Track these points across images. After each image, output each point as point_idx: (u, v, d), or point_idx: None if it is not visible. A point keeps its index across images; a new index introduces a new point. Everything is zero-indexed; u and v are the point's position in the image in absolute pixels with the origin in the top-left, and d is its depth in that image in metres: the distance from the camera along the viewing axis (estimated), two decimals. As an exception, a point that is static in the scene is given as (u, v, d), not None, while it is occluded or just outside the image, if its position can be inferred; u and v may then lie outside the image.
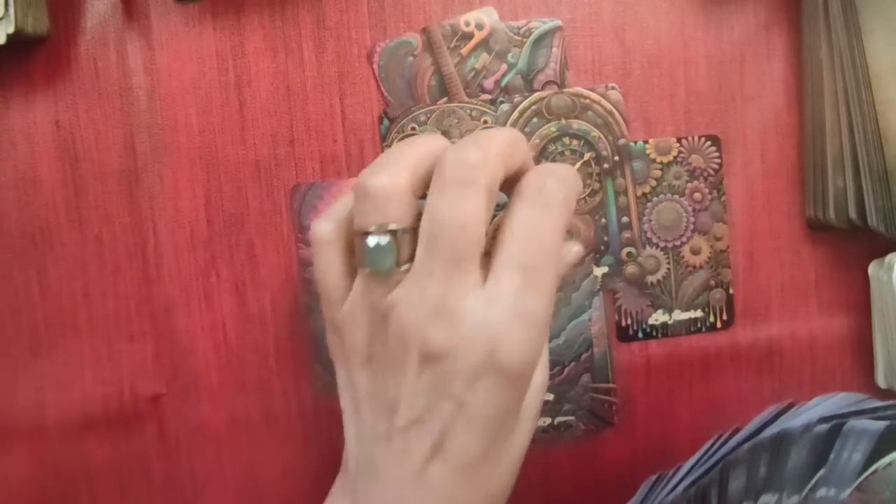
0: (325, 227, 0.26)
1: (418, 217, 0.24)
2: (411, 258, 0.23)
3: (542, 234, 0.23)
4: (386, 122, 0.35)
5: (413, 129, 0.35)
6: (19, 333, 0.35)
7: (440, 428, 0.23)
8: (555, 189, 0.23)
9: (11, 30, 0.31)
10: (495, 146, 0.23)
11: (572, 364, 0.36)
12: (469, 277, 0.22)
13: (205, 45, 0.35)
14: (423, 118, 0.35)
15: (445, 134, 0.35)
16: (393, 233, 0.23)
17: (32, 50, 0.34)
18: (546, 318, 0.23)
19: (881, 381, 0.36)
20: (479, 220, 0.22)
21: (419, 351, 0.22)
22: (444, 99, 0.35)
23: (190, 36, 0.34)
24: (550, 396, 0.36)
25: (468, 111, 0.35)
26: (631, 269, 0.37)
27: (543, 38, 0.36)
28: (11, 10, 0.31)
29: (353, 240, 0.25)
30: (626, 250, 0.37)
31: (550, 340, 0.36)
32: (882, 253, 0.36)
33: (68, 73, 0.34)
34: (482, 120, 0.35)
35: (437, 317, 0.22)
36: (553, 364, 0.36)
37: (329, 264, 0.26)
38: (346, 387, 0.26)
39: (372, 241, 0.23)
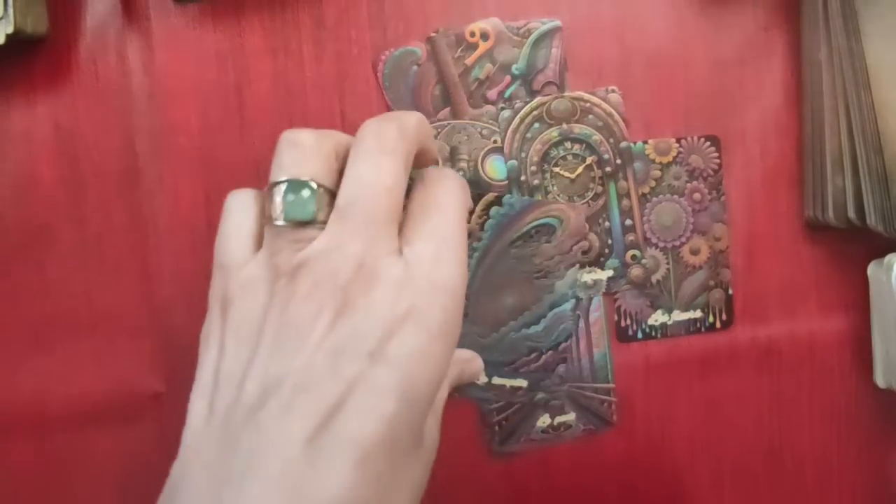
0: (242, 195, 0.25)
1: (335, 187, 0.24)
2: (326, 222, 0.23)
3: (449, 210, 0.24)
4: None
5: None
6: (20, 331, 0.35)
7: (338, 392, 0.20)
8: (454, 175, 0.26)
9: (11, 30, 0.31)
10: (410, 124, 0.24)
11: (549, 353, 0.36)
12: (389, 241, 0.23)
13: (205, 45, 0.34)
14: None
15: (454, 150, 0.35)
16: (312, 189, 0.23)
17: (32, 50, 0.34)
18: (461, 288, 0.23)
19: (880, 381, 0.36)
20: (400, 185, 0.23)
21: (334, 309, 0.21)
22: (447, 108, 0.35)
23: (190, 37, 0.34)
24: (524, 383, 0.36)
25: (479, 129, 0.35)
26: (636, 271, 0.37)
27: (543, 39, 0.36)
28: (11, 11, 0.31)
29: (265, 216, 0.24)
30: (630, 253, 0.37)
31: (529, 326, 0.36)
32: (881, 253, 0.36)
33: (68, 73, 0.34)
34: (492, 140, 0.35)
35: (357, 273, 0.22)
36: (530, 350, 0.36)
37: (238, 227, 0.24)
38: (210, 363, 0.23)
39: (291, 194, 0.23)
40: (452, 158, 0.35)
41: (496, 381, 0.36)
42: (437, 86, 0.35)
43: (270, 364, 0.21)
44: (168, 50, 0.34)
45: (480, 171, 0.35)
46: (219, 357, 0.23)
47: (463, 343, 0.34)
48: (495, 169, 0.36)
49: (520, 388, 0.36)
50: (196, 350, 0.36)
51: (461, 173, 0.35)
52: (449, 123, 0.35)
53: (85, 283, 0.35)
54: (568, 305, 0.36)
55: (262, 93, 0.35)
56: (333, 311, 0.21)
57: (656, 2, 0.36)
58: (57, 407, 0.35)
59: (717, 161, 0.37)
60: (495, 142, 0.35)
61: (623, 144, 0.36)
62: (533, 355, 0.36)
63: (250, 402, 0.20)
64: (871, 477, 0.39)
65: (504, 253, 0.35)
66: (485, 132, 0.35)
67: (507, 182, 0.36)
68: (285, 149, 0.24)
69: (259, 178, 0.35)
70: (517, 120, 0.35)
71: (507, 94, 0.36)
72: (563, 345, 0.36)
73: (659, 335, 0.37)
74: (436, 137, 0.35)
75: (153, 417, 0.35)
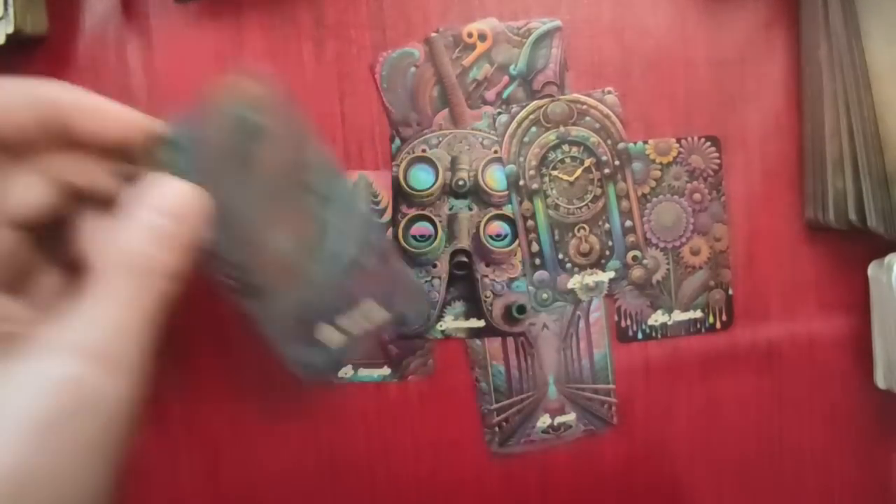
0: None
1: None
2: None
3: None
4: (398, 141, 0.35)
5: (423, 150, 0.35)
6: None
7: None
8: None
9: (10, 30, 0.31)
10: None
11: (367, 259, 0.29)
12: None
13: (204, 45, 0.34)
14: (434, 141, 0.35)
15: (455, 159, 0.35)
16: None
17: (31, 50, 0.34)
18: None
19: (880, 382, 0.36)
20: None
21: None
22: (446, 110, 0.35)
23: (189, 36, 0.34)
24: (381, 310, 0.29)
25: (480, 139, 0.35)
26: (637, 272, 0.36)
27: (543, 39, 0.36)
28: (10, 11, 0.31)
29: None
30: (631, 254, 0.36)
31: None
32: (881, 254, 0.36)
33: (67, 73, 0.34)
34: (493, 150, 0.35)
35: None
36: (350, 268, 0.28)
37: None
38: None
39: None
40: (453, 168, 0.35)
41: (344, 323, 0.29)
42: (435, 87, 0.35)
43: None
44: (167, 49, 0.34)
45: (481, 182, 0.35)
46: None
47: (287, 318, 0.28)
48: (495, 179, 0.36)
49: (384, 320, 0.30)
50: (197, 350, 0.36)
51: (461, 183, 0.35)
52: (450, 132, 0.35)
53: (84, 283, 0.35)
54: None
55: (261, 93, 0.35)
56: None
57: (656, 2, 0.36)
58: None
59: (718, 161, 0.37)
60: (496, 152, 0.35)
61: (621, 146, 0.36)
62: (355, 270, 0.28)
63: None
64: (870, 477, 0.39)
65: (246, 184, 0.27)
66: (486, 142, 0.35)
67: (507, 192, 0.36)
68: None
69: (259, 178, 0.35)
70: (514, 124, 0.35)
71: (505, 95, 0.36)
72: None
73: (659, 335, 0.37)
74: (437, 146, 0.35)
75: (153, 419, 0.35)
